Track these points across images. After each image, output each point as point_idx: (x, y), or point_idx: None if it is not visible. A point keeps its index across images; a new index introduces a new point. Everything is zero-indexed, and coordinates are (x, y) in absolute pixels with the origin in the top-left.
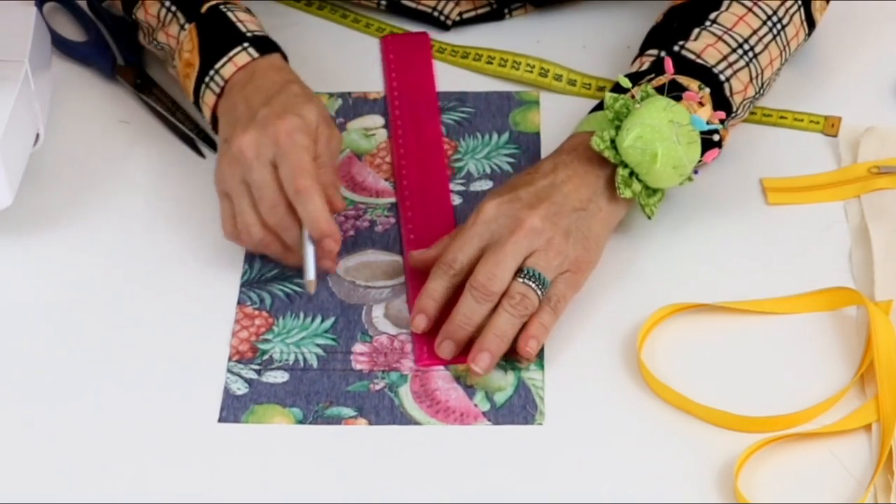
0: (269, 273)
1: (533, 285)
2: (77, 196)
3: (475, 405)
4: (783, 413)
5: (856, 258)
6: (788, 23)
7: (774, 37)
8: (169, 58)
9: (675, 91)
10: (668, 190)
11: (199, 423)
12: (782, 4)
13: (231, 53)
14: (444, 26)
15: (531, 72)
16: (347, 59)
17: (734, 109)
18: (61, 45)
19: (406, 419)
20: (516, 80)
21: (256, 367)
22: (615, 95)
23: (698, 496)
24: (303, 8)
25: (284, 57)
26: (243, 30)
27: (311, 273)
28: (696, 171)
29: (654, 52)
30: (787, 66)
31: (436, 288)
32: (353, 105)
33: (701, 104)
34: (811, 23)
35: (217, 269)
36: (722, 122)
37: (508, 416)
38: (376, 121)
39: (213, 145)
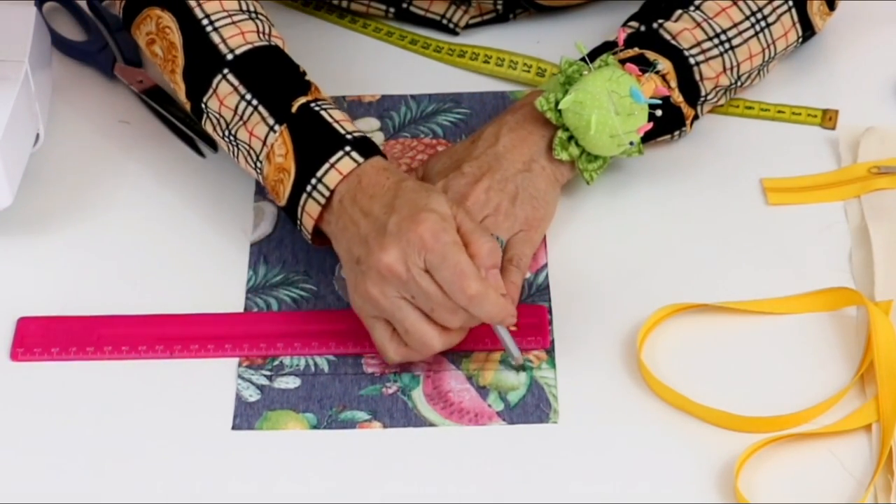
0: (274, 279)
1: None
2: (77, 196)
3: (489, 405)
4: (783, 413)
5: (856, 258)
6: (775, 21)
7: (757, 33)
8: (250, 157)
9: (642, 65)
10: (667, 187)
11: (213, 431)
12: (770, 3)
13: (332, 160)
14: (452, 33)
15: (528, 71)
16: (344, 61)
17: (703, 94)
18: (61, 45)
19: (421, 421)
20: (513, 79)
21: (267, 373)
22: (570, 60)
23: (698, 496)
24: (299, 7)
25: (384, 155)
26: (342, 132)
27: (516, 351)
28: (638, 142)
29: (634, 24)
30: (787, 67)
31: None
32: (349, 108)
33: (639, 78)
34: (806, 24)
35: (220, 271)
36: (692, 104)
37: (523, 416)
38: (372, 123)
39: (212, 144)
